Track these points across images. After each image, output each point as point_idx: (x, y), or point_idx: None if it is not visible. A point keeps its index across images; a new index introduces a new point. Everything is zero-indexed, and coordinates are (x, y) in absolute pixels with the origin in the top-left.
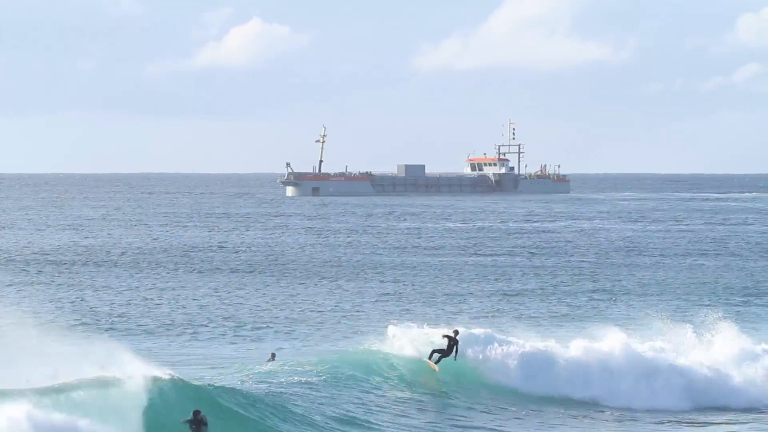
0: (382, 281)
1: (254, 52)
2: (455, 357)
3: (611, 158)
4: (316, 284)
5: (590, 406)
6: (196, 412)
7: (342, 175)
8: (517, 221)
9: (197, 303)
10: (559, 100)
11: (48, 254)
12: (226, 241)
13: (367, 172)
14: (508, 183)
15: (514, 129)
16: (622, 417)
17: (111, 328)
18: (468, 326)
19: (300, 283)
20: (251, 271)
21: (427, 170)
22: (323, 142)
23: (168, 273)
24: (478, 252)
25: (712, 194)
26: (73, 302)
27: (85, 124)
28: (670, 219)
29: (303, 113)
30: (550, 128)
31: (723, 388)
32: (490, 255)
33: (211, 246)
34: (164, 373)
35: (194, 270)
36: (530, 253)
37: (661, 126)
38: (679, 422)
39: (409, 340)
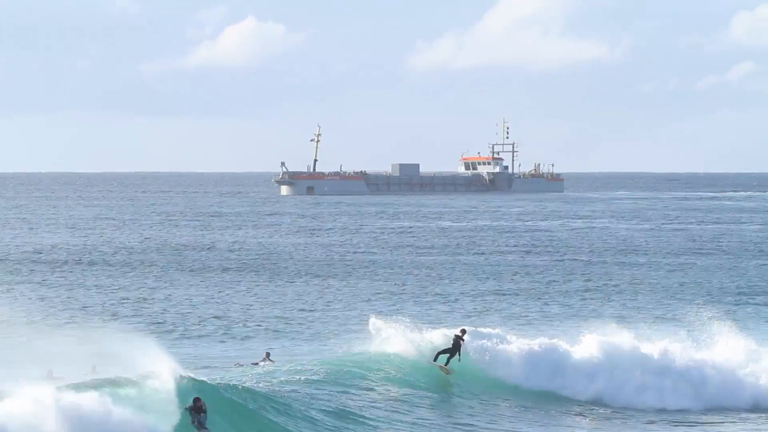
0: (374, 280)
1: (249, 51)
2: (459, 357)
3: (605, 157)
4: (307, 283)
5: (596, 403)
6: (197, 399)
7: (337, 174)
8: (509, 221)
9: (188, 302)
10: (554, 99)
11: (40, 253)
12: (218, 241)
13: (361, 172)
14: (502, 182)
15: (507, 128)
16: (627, 416)
17: (101, 327)
18: (458, 325)
19: (291, 282)
20: (243, 271)
21: (422, 169)
22: (318, 141)
23: (159, 272)
24: (471, 251)
25: (706, 193)
26: (63, 301)
27: (81, 123)
28: (662, 218)
29: (298, 112)
30: (545, 127)
31: (728, 388)
32: (482, 254)
33: (203, 245)
34: (187, 373)
35: (186, 269)
36: (523, 251)
37: (656, 125)
38: (676, 422)
39: (397, 334)
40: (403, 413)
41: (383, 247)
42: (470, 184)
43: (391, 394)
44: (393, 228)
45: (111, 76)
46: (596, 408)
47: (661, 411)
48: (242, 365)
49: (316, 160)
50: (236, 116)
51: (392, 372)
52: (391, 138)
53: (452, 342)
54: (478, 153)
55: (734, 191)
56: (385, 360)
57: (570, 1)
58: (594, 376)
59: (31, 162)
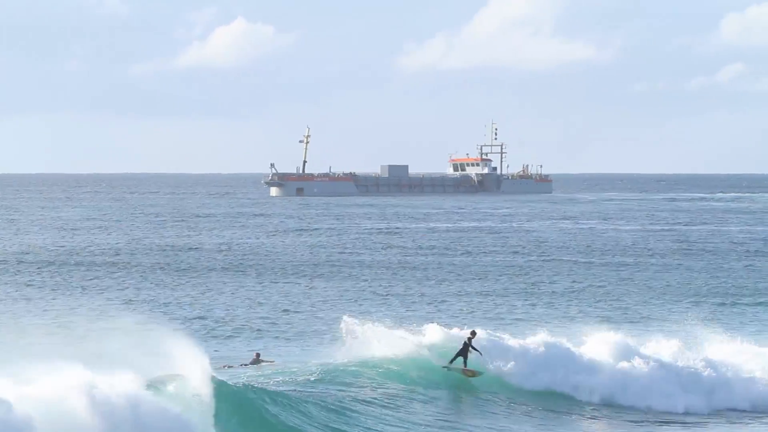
0: (361, 281)
1: (239, 52)
2: (455, 358)
3: (595, 158)
4: (293, 283)
5: (602, 404)
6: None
7: (326, 175)
8: (496, 221)
9: (176, 303)
10: (544, 100)
11: (28, 253)
12: (205, 242)
13: (350, 173)
14: (491, 183)
15: (496, 129)
16: (633, 416)
17: (89, 329)
18: (449, 326)
19: (276, 283)
20: (230, 271)
21: (411, 170)
22: (307, 142)
23: (146, 273)
24: (458, 252)
25: (695, 194)
26: (49, 302)
27: (70, 124)
28: (650, 219)
29: (287, 113)
30: (534, 128)
31: (724, 388)
32: (469, 254)
33: (190, 246)
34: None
35: (172, 270)
36: (510, 252)
37: (645, 126)
38: (682, 423)
39: (374, 335)
40: (409, 412)
41: (370, 248)
42: (459, 185)
43: (391, 393)
44: (381, 228)
45: (100, 77)
46: (601, 409)
47: (664, 412)
48: (232, 366)
49: (305, 162)
50: (226, 117)
51: (384, 370)
52: (381, 139)
53: (463, 345)
54: (467, 154)
55: (723, 192)
56: (382, 362)
57: (560, 2)
58: (599, 377)
59: (19, 163)
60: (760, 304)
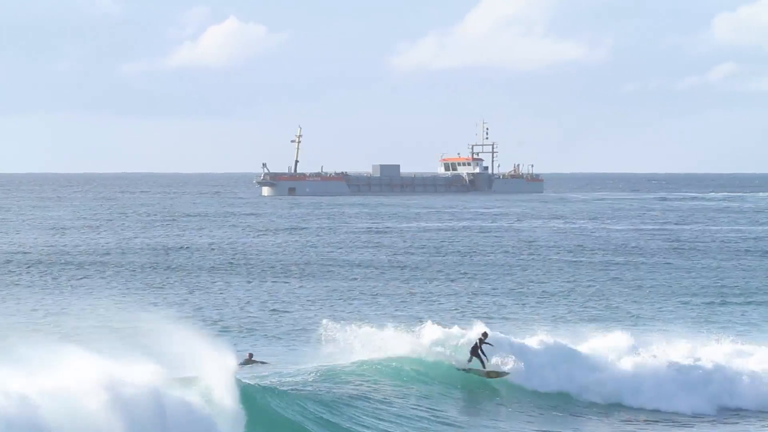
0: (351, 280)
1: (230, 52)
2: (471, 358)
3: (587, 158)
4: (282, 283)
5: (610, 406)
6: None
7: (318, 175)
8: (486, 221)
9: (164, 302)
10: (535, 100)
11: (15, 254)
12: (195, 242)
13: (342, 173)
14: (482, 183)
15: (487, 128)
16: (632, 416)
17: (77, 328)
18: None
19: (265, 282)
20: (220, 271)
21: (403, 170)
22: (299, 142)
23: (135, 273)
24: (449, 251)
25: (687, 194)
26: (35, 303)
27: (61, 124)
28: (641, 218)
29: (279, 113)
30: (526, 128)
31: (730, 387)
32: (460, 254)
33: (180, 246)
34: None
35: (161, 269)
36: (501, 252)
37: (637, 125)
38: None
39: (356, 339)
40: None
41: (361, 247)
42: (450, 184)
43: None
44: (372, 228)
45: (92, 77)
46: (603, 410)
47: (669, 413)
48: None
49: (297, 161)
50: (218, 117)
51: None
52: (372, 139)
53: (474, 345)
54: (458, 154)
55: (715, 192)
56: (378, 363)
57: (551, 2)
58: (599, 377)
59: (10, 163)
60: (749, 303)
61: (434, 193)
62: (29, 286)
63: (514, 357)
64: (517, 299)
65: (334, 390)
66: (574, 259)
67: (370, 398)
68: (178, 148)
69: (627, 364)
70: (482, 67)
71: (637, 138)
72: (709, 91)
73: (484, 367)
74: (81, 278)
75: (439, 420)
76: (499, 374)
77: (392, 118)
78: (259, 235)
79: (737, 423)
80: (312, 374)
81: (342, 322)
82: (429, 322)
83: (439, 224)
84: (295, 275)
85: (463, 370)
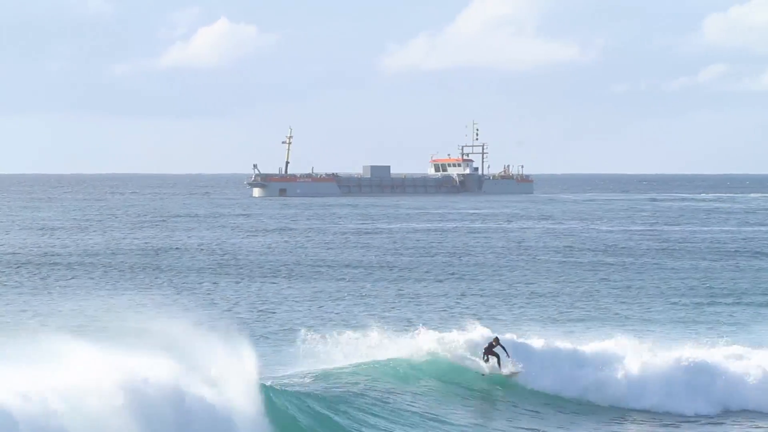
0: (340, 281)
1: (221, 52)
2: (487, 359)
3: (577, 158)
4: (273, 284)
5: (615, 408)
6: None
7: (309, 176)
8: (476, 222)
9: (151, 302)
10: (526, 101)
11: (5, 255)
12: (185, 243)
13: (333, 174)
14: (473, 183)
15: (477, 129)
16: (640, 418)
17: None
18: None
19: (253, 283)
20: (210, 273)
21: (393, 171)
22: (289, 143)
23: (124, 273)
24: (438, 252)
25: (678, 194)
26: (22, 304)
27: (52, 125)
28: (629, 219)
29: (270, 113)
30: (517, 128)
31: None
32: (449, 255)
33: (170, 247)
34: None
35: (151, 270)
36: (490, 253)
37: (627, 126)
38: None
39: (339, 349)
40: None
41: (351, 248)
42: (440, 185)
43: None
44: (361, 229)
45: (83, 77)
46: (607, 412)
47: (671, 415)
48: None
49: (288, 162)
50: (208, 117)
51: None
52: (363, 140)
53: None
54: (448, 155)
55: (705, 193)
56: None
57: (542, 3)
58: (601, 376)
59: (1, 164)
60: (737, 304)
61: (424, 194)
62: (17, 287)
63: (514, 358)
64: (506, 300)
65: (354, 392)
66: (563, 260)
67: (388, 401)
68: (168, 148)
69: (627, 365)
70: (473, 67)
71: (628, 139)
72: (700, 92)
73: (500, 366)
74: (70, 278)
75: (448, 422)
76: (514, 374)
77: (383, 118)
78: (249, 236)
79: (744, 423)
80: (306, 375)
81: (321, 330)
82: (424, 328)
83: (429, 225)
84: (284, 276)
85: (485, 375)
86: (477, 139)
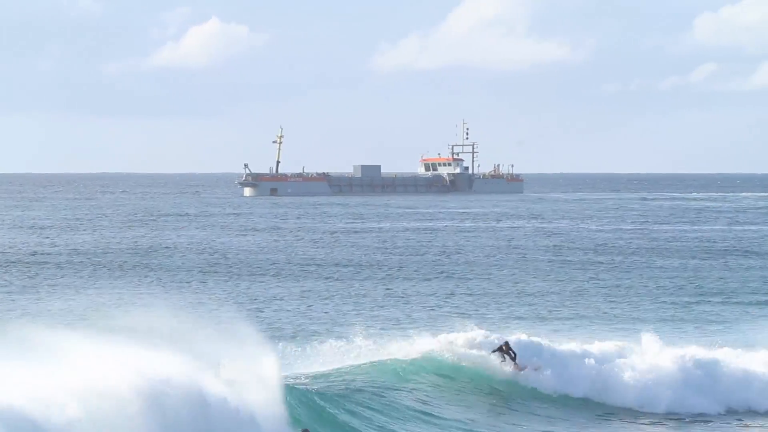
0: (331, 280)
1: (212, 52)
2: (503, 359)
3: (568, 158)
4: (262, 283)
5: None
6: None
7: (299, 175)
8: (466, 221)
9: (140, 302)
10: (517, 100)
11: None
12: (175, 242)
13: (324, 173)
14: (463, 183)
15: (467, 129)
16: (647, 420)
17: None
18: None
19: (244, 282)
20: (200, 272)
21: (384, 170)
22: (280, 143)
23: (114, 273)
24: (428, 251)
25: (668, 194)
26: (10, 303)
27: (43, 125)
28: (619, 218)
29: (261, 113)
30: (508, 128)
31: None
32: (439, 254)
33: (159, 246)
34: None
35: (141, 269)
36: (480, 252)
37: (618, 125)
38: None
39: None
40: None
41: (341, 248)
42: (431, 185)
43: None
44: (351, 228)
45: (74, 77)
46: (610, 412)
47: (679, 414)
48: None
49: (279, 162)
50: (199, 117)
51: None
52: (354, 139)
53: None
54: (438, 154)
55: (697, 192)
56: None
57: (533, 2)
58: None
59: None
60: (726, 303)
61: (415, 194)
62: (6, 285)
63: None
64: (495, 298)
65: (380, 391)
66: (553, 259)
67: (387, 399)
68: (159, 148)
69: (630, 365)
70: (464, 67)
71: (619, 138)
72: (691, 92)
73: (514, 361)
74: (60, 277)
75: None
76: (521, 368)
77: (374, 118)
78: (238, 235)
79: (748, 424)
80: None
81: (300, 340)
82: (422, 333)
83: (419, 224)
84: (273, 274)
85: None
86: (467, 138)
